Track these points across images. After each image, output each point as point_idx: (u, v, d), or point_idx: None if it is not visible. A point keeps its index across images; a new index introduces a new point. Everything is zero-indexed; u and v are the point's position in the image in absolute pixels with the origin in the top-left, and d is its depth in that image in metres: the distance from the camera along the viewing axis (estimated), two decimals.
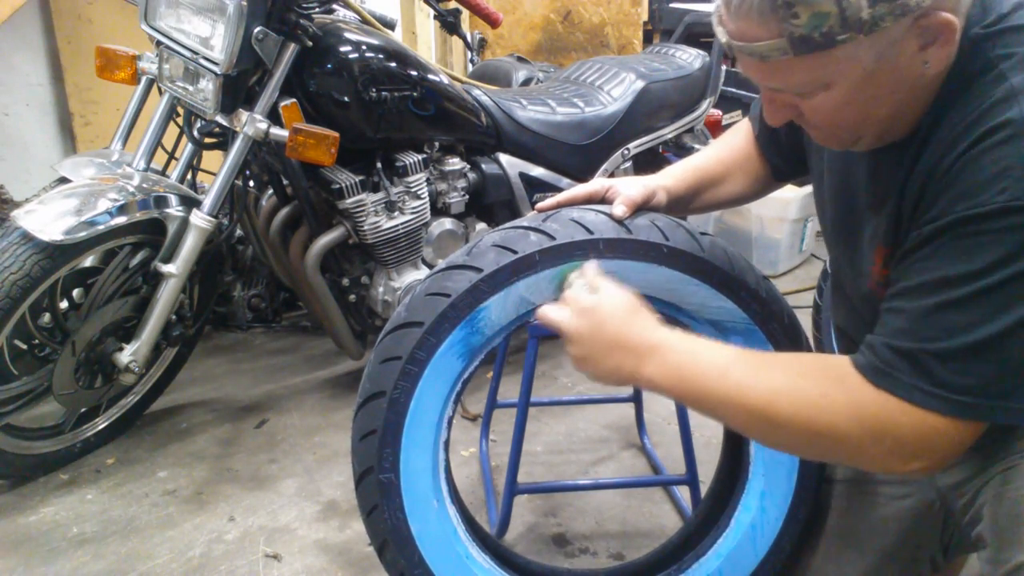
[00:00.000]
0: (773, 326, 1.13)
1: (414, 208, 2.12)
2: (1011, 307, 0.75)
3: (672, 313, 1.13)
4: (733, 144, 1.29)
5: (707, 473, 1.51)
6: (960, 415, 0.79)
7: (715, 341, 0.99)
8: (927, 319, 0.80)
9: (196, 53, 1.79)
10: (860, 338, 0.90)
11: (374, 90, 1.97)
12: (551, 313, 1.00)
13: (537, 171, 2.40)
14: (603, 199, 1.16)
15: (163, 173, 2.06)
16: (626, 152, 2.56)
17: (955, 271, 0.78)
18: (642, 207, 1.13)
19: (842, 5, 0.75)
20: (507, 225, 1.13)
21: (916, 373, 0.80)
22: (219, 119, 1.86)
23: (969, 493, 0.98)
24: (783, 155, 1.22)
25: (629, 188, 1.14)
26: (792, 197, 3.23)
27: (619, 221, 1.10)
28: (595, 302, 0.97)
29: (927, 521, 1.11)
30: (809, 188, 3.29)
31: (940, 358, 0.79)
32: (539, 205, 1.17)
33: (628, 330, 0.94)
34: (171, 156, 2.10)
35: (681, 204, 1.22)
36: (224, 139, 1.99)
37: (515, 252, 1.07)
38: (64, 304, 1.82)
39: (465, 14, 3.13)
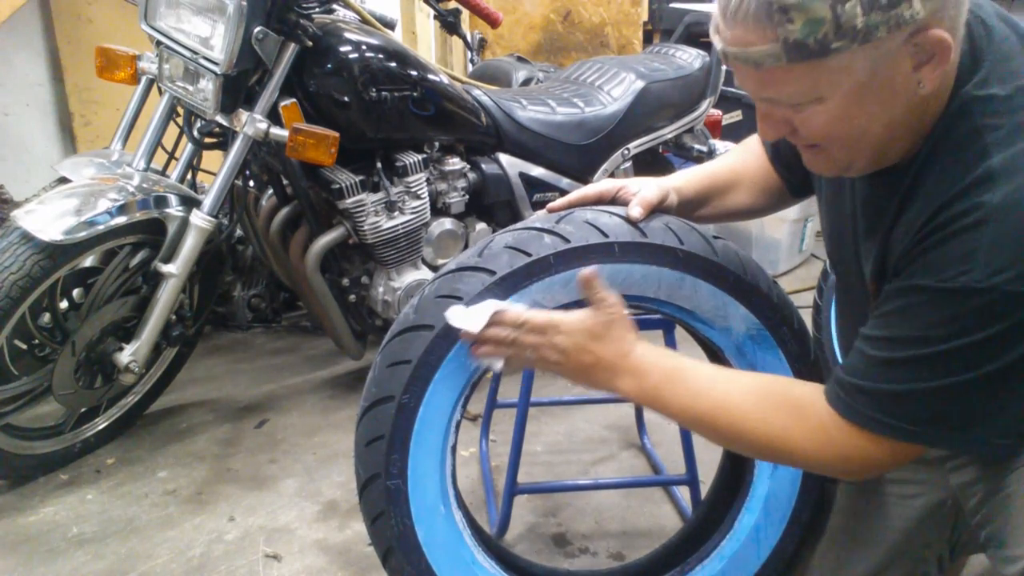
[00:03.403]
0: (783, 331, 1.12)
1: (414, 208, 2.12)
2: (955, 372, 0.84)
3: (684, 317, 1.12)
4: (744, 156, 1.28)
5: (707, 473, 1.51)
6: (911, 440, 0.90)
7: (688, 362, 1.05)
8: (885, 368, 0.89)
9: (196, 53, 1.79)
10: None
11: (374, 90, 1.97)
12: (528, 339, 1.04)
13: (537, 171, 2.40)
14: (613, 199, 1.15)
15: (163, 173, 2.06)
16: (626, 152, 2.56)
17: (912, 334, 0.86)
18: (656, 208, 1.13)
19: (837, 12, 0.75)
20: (519, 226, 1.11)
21: (873, 406, 0.90)
22: (219, 119, 1.86)
23: (980, 492, 0.99)
24: (796, 173, 1.21)
25: (644, 189, 1.13)
26: None
27: (634, 223, 1.08)
28: (573, 323, 1.02)
29: (937, 520, 1.11)
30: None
31: (894, 395, 0.88)
32: (550, 205, 1.16)
33: (605, 351, 1.02)
34: (171, 156, 2.10)
35: (690, 207, 1.21)
36: (224, 139, 1.99)
37: (529, 255, 1.05)
38: (64, 304, 1.82)
39: (465, 14, 3.13)
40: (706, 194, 1.23)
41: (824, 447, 0.94)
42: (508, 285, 1.05)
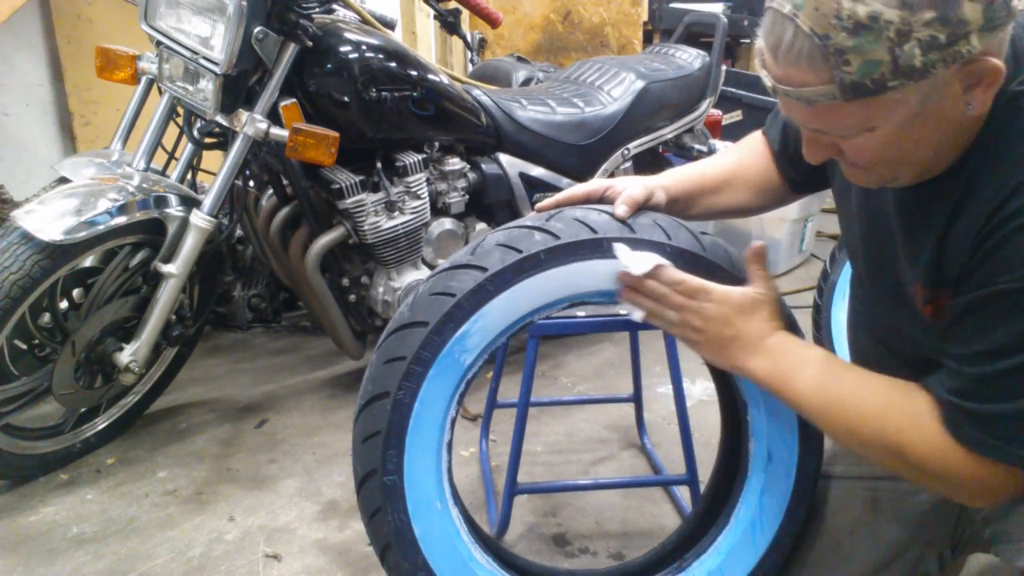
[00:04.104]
0: None
1: (414, 208, 2.12)
2: None
3: None
4: (740, 156, 1.29)
5: (707, 473, 1.51)
6: (1020, 464, 0.87)
7: (820, 354, 1.04)
8: (982, 385, 0.86)
9: (196, 53, 1.79)
10: (891, 359, 1.00)
11: (374, 90, 1.97)
12: (678, 299, 1.06)
13: (537, 171, 2.40)
14: (601, 198, 1.16)
15: (163, 173, 2.06)
16: (626, 152, 2.56)
17: (1001, 343, 0.83)
18: (642, 206, 1.14)
19: (895, 54, 0.75)
20: (510, 224, 1.13)
21: (980, 427, 0.87)
22: (219, 119, 1.86)
23: None
24: (802, 171, 1.22)
25: (629, 187, 1.14)
26: None
27: (622, 220, 1.10)
28: (724, 294, 1.05)
29: (941, 517, 1.11)
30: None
31: (999, 416, 0.85)
32: (539, 205, 1.17)
33: (746, 328, 1.04)
34: (171, 156, 2.10)
35: (679, 206, 1.22)
36: (224, 139, 1.99)
37: (520, 251, 1.07)
38: (64, 304, 1.82)
39: (465, 14, 3.13)
40: (695, 192, 1.24)
41: (940, 466, 0.91)
42: (500, 281, 1.07)
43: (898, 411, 0.94)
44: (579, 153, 2.45)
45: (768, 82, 0.85)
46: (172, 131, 2.04)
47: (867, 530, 1.16)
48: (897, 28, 0.73)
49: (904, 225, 0.96)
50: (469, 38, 3.01)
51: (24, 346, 1.80)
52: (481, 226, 2.35)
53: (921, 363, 0.99)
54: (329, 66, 1.94)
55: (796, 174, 1.23)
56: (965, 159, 0.87)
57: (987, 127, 0.85)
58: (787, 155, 1.23)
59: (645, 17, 4.54)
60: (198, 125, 1.97)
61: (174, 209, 1.84)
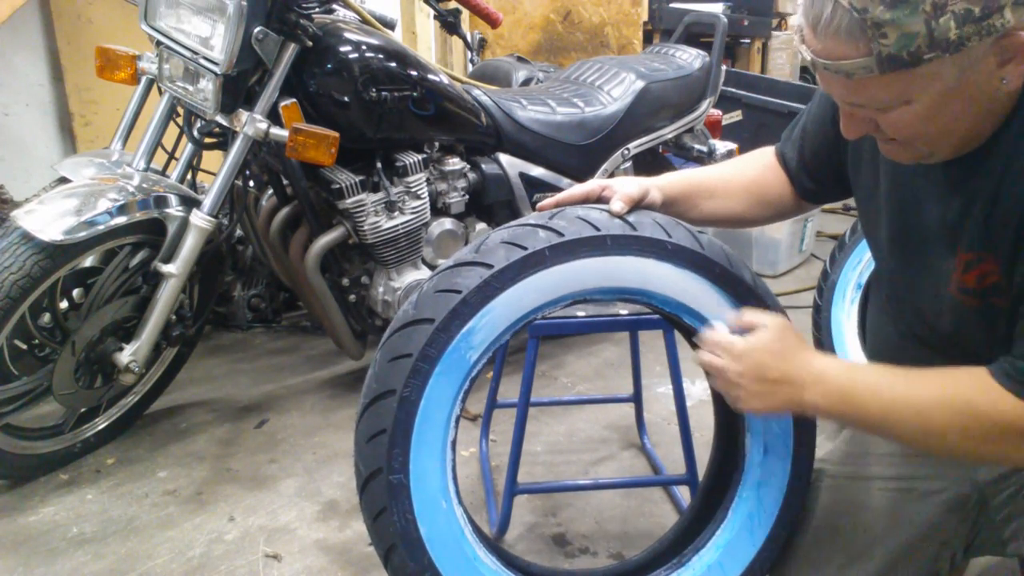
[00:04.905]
0: None
1: (414, 208, 2.12)
2: None
3: (673, 309, 1.14)
4: (742, 165, 1.31)
5: None
6: None
7: (864, 363, 1.02)
8: None
9: (196, 53, 1.79)
10: (921, 350, 0.99)
11: (374, 90, 1.97)
12: (711, 360, 1.05)
13: (537, 171, 2.40)
14: (599, 199, 1.18)
15: (163, 173, 2.06)
16: (626, 152, 2.56)
17: None
18: (638, 204, 1.16)
19: (931, 26, 0.77)
20: (514, 223, 1.14)
21: None
22: (219, 119, 1.86)
23: (1011, 488, 0.98)
24: (820, 182, 1.24)
25: (625, 186, 1.17)
26: None
27: (621, 217, 1.11)
28: (749, 345, 1.03)
29: (959, 516, 1.11)
30: None
31: None
32: (539, 205, 1.19)
33: (789, 366, 1.01)
34: (171, 156, 2.10)
35: (676, 209, 1.24)
36: (224, 139, 1.99)
37: (525, 248, 1.08)
38: (64, 304, 1.82)
39: (465, 14, 3.13)
40: (690, 194, 1.25)
41: (1014, 428, 0.89)
42: (505, 278, 1.07)
43: (963, 388, 0.92)
44: (579, 153, 2.45)
45: (807, 56, 0.87)
46: (172, 131, 2.04)
47: (884, 529, 1.15)
48: (933, 1, 0.76)
49: (948, 200, 0.97)
50: (469, 38, 3.01)
51: (24, 346, 1.80)
52: (481, 226, 2.35)
53: (954, 351, 1.00)
54: (329, 66, 1.94)
55: (814, 184, 1.25)
56: (1003, 130, 0.89)
57: (1022, 100, 0.86)
58: (804, 166, 1.25)
59: (645, 17, 4.54)
60: (198, 125, 1.97)
61: (174, 209, 1.84)
